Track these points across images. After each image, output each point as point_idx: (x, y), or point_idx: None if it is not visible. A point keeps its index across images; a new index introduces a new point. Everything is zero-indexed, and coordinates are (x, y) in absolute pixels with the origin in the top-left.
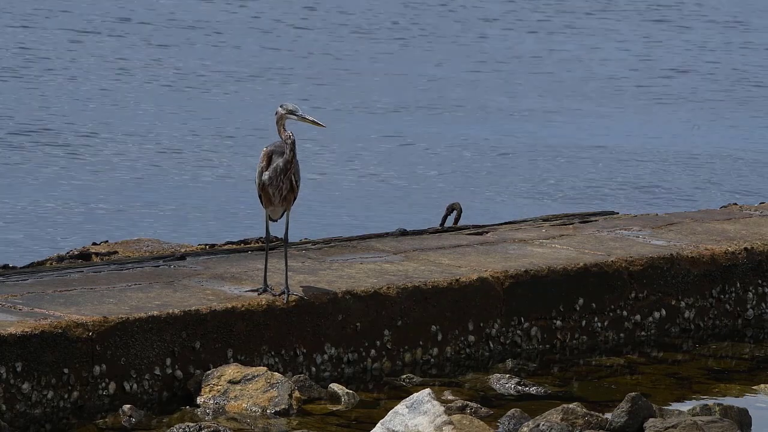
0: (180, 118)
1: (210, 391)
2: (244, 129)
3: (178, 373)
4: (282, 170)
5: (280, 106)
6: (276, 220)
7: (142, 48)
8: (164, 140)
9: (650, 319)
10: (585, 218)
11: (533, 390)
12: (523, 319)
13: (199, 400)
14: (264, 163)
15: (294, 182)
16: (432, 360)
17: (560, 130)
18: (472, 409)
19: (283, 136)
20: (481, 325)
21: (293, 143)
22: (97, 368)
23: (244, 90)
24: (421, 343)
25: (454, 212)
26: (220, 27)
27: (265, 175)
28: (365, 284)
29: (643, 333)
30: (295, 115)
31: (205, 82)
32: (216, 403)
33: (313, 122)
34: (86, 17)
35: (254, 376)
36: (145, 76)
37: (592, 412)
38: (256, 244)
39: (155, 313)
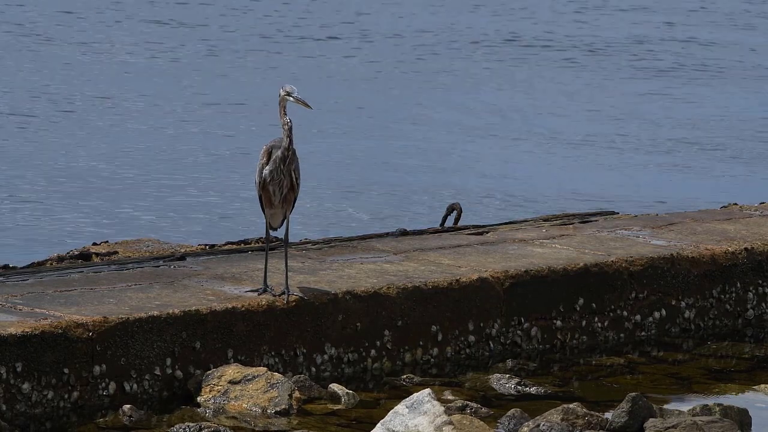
0: (180, 117)
1: (210, 391)
2: (245, 128)
3: (179, 373)
4: (281, 159)
5: (282, 88)
6: (276, 228)
7: (140, 46)
8: (164, 140)
9: (650, 319)
10: (585, 218)
11: (533, 390)
12: (523, 319)
13: (200, 400)
14: (264, 159)
15: (294, 179)
16: (432, 360)
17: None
18: (472, 409)
19: (281, 121)
20: (481, 325)
21: (290, 129)
22: (97, 368)
23: (244, 89)
24: (421, 343)
25: (454, 212)
26: (224, 24)
27: (266, 170)
28: (365, 284)
29: (643, 333)
30: (291, 96)
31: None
32: (216, 403)
33: (303, 103)
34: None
35: (254, 376)
36: (142, 71)
37: (593, 412)
38: (256, 245)
39: (155, 313)
